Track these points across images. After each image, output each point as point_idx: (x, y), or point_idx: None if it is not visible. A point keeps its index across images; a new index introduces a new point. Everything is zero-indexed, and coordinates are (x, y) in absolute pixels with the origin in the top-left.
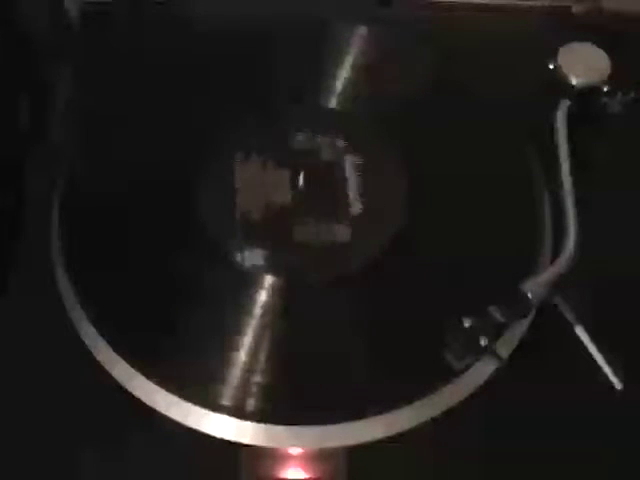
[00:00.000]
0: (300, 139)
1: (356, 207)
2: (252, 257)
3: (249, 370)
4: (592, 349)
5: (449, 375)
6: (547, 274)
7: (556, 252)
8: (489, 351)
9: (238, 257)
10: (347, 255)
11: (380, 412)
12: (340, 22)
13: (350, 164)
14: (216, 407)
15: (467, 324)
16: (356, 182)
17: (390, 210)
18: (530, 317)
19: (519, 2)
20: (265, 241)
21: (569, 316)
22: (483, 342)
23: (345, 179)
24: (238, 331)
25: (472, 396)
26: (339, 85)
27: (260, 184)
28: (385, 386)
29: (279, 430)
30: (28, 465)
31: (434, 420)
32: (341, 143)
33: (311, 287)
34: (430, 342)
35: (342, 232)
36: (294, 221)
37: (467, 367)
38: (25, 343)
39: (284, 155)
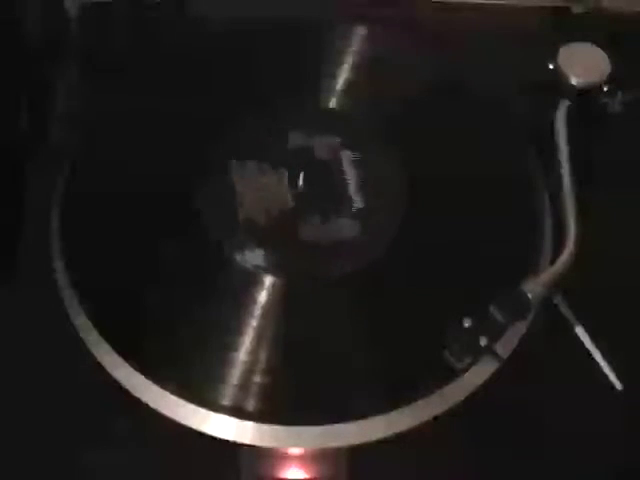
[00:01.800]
0: (299, 139)
1: (356, 208)
2: (253, 257)
3: (249, 370)
4: (592, 349)
5: (449, 375)
6: (547, 274)
7: (556, 252)
8: (489, 351)
9: (239, 257)
10: (347, 255)
11: (380, 412)
12: (340, 22)
13: (349, 164)
14: (216, 407)
15: (467, 324)
16: (356, 183)
17: (390, 210)
18: (530, 317)
19: (519, 2)
20: (265, 241)
21: (569, 316)
22: (483, 342)
23: (344, 180)
24: (238, 331)
25: (472, 396)
26: (338, 85)
27: (260, 185)
28: (385, 386)
29: (279, 430)
30: (26, 464)
31: (435, 420)
32: (340, 143)
33: (311, 287)
34: (430, 342)
35: (342, 232)
36: (294, 221)
37: (467, 367)
38: (25, 342)
39: (283, 155)
